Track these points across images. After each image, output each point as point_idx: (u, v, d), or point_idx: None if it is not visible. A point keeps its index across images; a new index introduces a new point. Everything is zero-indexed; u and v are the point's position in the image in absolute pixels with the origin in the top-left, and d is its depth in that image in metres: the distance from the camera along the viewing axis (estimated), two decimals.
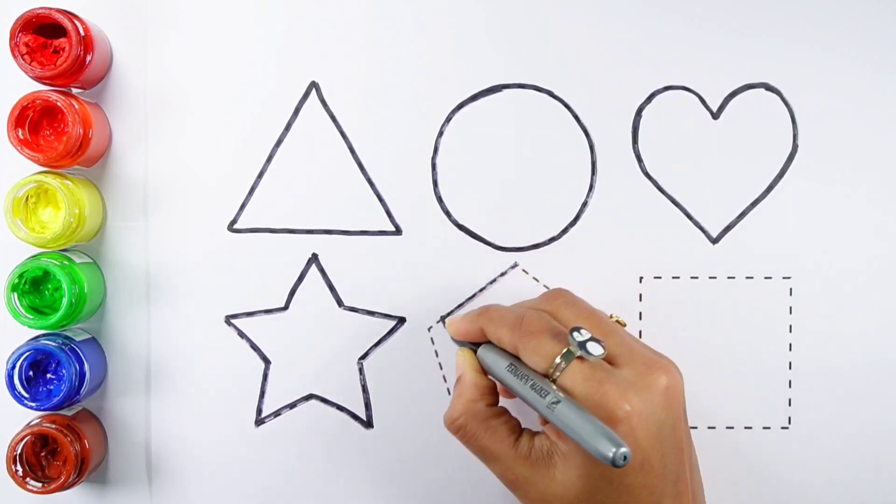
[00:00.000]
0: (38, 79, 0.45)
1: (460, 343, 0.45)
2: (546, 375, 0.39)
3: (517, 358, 0.41)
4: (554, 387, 0.38)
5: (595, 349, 0.38)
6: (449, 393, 0.49)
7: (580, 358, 0.38)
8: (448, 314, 0.49)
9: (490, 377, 0.43)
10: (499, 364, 0.41)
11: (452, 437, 0.41)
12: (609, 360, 0.39)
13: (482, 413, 0.41)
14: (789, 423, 0.50)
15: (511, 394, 0.44)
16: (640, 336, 0.49)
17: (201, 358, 0.49)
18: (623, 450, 0.34)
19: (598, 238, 0.49)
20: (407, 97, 0.49)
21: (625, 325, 0.43)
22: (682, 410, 0.40)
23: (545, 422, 0.41)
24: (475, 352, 0.44)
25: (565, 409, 0.36)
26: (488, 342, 0.43)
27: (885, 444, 0.50)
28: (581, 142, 0.49)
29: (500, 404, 0.43)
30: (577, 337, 0.38)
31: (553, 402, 0.37)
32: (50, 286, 0.46)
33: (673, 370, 0.39)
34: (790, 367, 0.50)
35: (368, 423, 0.49)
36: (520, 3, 0.49)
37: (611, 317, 0.43)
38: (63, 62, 0.44)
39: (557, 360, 0.38)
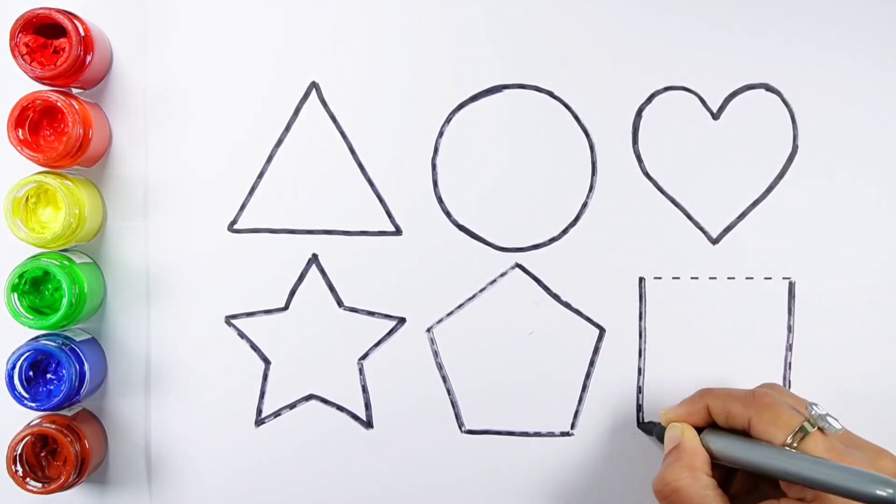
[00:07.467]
0: (38, 79, 0.45)
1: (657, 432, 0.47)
2: (784, 446, 0.40)
3: (744, 435, 0.42)
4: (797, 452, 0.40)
5: (836, 423, 0.40)
6: (449, 393, 0.49)
7: (819, 430, 0.40)
8: (447, 314, 0.49)
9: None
10: (730, 438, 0.42)
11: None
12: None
13: (702, 480, 0.42)
14: None
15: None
16: (640, 336, 0.49)
17: (201, 358, 0.49)
18: None
19: (598, 238, 0.49)
20: (407, 97, 0.49)
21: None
22: None
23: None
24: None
25: (827, 463, 0.38)
26: (706, 428, 0.44)
27: (884, 444, 0.49)
28: (581, 142, 0.49)
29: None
30: (817, 410, 0.40)
31: (810, 461, 0.39)
32: (50, 286, 0.46)
33: None
34: (790, 368, 0.49)
35: (368, 424, 0.49)
36: (519, 3, 0.49)
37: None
38: (63, 62, 0.44)
39: (796, 431, 0.40)
